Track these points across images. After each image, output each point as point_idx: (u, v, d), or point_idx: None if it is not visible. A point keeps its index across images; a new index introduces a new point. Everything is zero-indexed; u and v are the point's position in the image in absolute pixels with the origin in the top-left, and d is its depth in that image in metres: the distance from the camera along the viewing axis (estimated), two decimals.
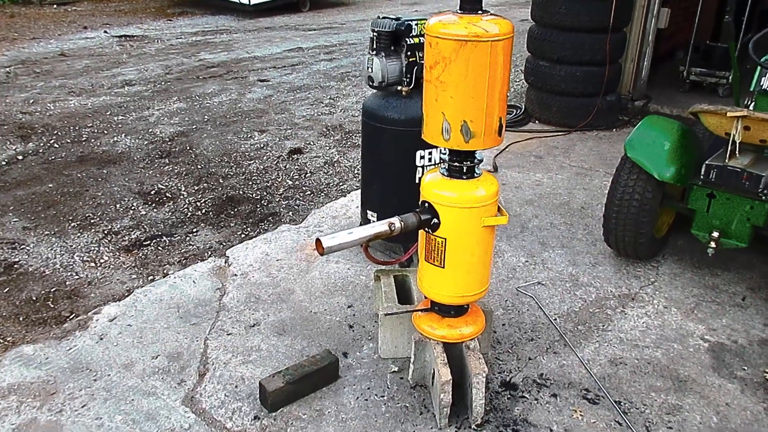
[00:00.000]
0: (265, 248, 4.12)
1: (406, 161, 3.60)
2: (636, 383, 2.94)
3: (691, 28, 7.29)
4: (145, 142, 6.10)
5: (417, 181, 3.63)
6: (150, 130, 6.43)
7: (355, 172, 5.45)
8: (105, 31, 11.75)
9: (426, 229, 2.57)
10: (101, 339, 3.18)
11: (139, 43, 10.90)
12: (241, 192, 5.03)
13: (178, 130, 6.47)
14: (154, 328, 3.28)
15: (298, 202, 4.87)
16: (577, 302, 3.56)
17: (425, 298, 2.99)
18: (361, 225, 4.09)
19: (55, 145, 5.96)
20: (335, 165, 5.61)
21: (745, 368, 3.05)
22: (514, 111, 6.81)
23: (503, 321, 3.37)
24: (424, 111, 2.48)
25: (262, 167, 5.54)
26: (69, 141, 6.09)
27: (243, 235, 4.34)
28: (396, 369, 3.00)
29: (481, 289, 2.69)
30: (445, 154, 2.59)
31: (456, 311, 2.79)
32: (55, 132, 6.30)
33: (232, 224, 4.50)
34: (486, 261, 2.65)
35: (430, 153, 3.59)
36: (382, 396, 2.84)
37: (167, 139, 6.19)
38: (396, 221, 2.47)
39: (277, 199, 4.91)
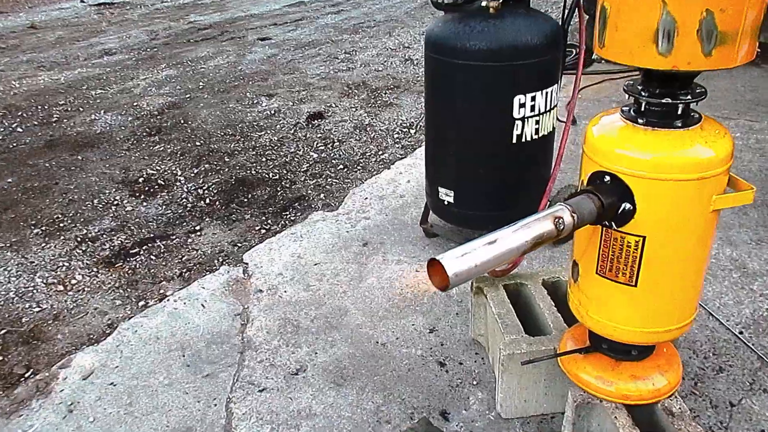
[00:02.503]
0: (296, 248, 3.00)
1: (497, 112, 2.46)
2: None
3: None
4: (130, 119, 4.95)
5: (514, 140, 2.49)
6: (135, 104, 5.27)
7: (395, 137, 4.31)
8: (81, 0, 10.47)
9: (608, 222, 1.45)
10: (70, 412, 2.10)
11: (120, 10, 9.64)
12: (253, 172, 3.89)
13: (168, 101, 5.31)
14: (149, 387, 2.20)
15: (329, 180, 3.74)
16: (759, 303, 2.44)
17: (567, 326, 1.89)
18: (427, 206, 2.96)
19: (19, 129, 4.81)
20: (368, 130, 4.46)
21: None
22: (573, 51, 5.59)
23: None
24: (608, 3, 1.33)
25: (276, 138, 4.40)
26: (36, 123, 4.94)
27: (263, 231, 3.22)
28: None
29: (691, 317, 1.58)
30: (637, 86, 1.45)
31: (640, 352, 1.68)
32: (20, 113, 5.15)
33: (247, 216, 3.38)
34: (703, 271, 1.53)
35: (533, 99, 2.44)
36: None
37: (156, 113, 5.04)
38: (564, 213, 1.34)
39: (302, 178, 3.78)
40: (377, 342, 2.36)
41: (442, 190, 2.72)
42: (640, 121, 1.41)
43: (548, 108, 2.51)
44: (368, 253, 2.93)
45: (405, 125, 4.49)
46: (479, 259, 1.23)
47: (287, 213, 3.38)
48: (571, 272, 1.66)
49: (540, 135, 2.54)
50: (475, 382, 2.15)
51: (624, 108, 1.48)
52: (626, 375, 1.67)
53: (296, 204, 3.47)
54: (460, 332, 2.38)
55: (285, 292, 2.68)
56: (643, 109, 1.42)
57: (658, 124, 1.39)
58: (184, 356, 2.34)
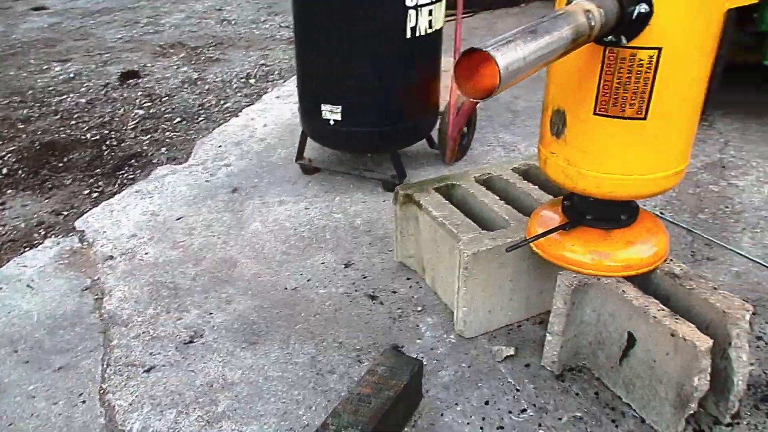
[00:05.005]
0: (147, 205, 2.37)
1: (385, 2, 2.09)
2: None
3: None
4: None
5: (409, 34, 2.15)
6: None
7: (235, 87, 3.75)
8: None
9: (610, 37, 1.16)
10: None
11: None
12: (63, 135, 3.09)
13: None
14: None
15: (167, 134, 3.09)
16: None
17: (524, 216, 1.61)
18: (303, 139, 2.52)
19: None
20: (199, 84, 3.83)
21: None
22: None
23: None
24: None
25: (84, 101, 3.58)
26: None
27: (96, 194, 2.51)
28: (512, 352, 1.59)
29: (688, 159, 1.37)
30: None
31: (629, 216, 1.45)
32: None
33: (67, 182, 2.63)
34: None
35: None
36: (524, 411, 1.43)
37: None
38: (590, 5, 1.02)
39: (132, 136, 3.07)
40: (285, 288, 1.88)
41: (326, 108, 2.28)
42: None
43: None
44: (241, 199, 2.40)
45: (242, 76, 3.94)
46: (526, 49, 0.86)
47: (122, 172, 2.69)
48: (551, 128, 1.36)
49: (433, 29, 2.23)
50: (419, 309, 1.77)
51: None
52: (622, 242, 1.42)
53: (132, 161, 2.79)
54: (381, 261, 2.00)
55: (146, 254, 2.06)
56: None
57: None
58: (17, 352, 1.64)
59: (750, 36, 2.65)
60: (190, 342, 1.66)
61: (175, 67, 4.21)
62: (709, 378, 1.24)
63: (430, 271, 1.83)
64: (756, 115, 2.95)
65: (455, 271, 1.62)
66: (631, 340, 1.37)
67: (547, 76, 1.38)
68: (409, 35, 2.15)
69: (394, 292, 1.85)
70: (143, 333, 1.70)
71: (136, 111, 3.38)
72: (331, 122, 2.30)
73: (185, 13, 5.89)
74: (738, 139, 2.74)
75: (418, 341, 1.65)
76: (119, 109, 3.42)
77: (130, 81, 3.90)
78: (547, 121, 1.37)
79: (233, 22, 5.52)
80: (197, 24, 5.46)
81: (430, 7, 2.17)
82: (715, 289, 1.36)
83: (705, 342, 1.22)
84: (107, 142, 2.99)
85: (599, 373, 1.50)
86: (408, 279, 1.90)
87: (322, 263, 2.00)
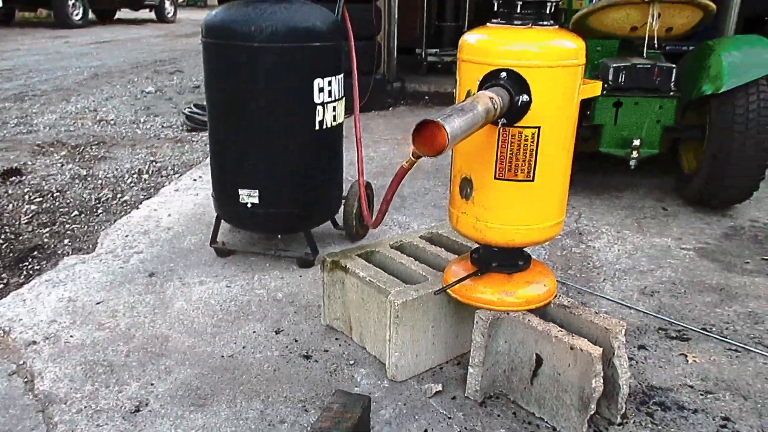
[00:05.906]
0: (62, 293, 2.37)
1: (301, 96, 2.40)
2: (689, 304, 2.34)
3: (421, 11, 7.33)
4: None
5: (317, 127, 2.46)
6: None
7: (129, 182, 3.80)
8: None
9: (502, 120, 1.53)
10: None
11: None
12: None
13: None
14: None
15: (67, 226, 3.07)
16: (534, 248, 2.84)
17: (437, 271, 1.91)
18: (216, 224, 2.68)
19: None
20: (89, 179, 3.84)
21: None
22: None
23: None
24: None
25: None
26: None
27: (1, 286, 2.45)
28: (440, 388, 1.82)
29: (564, 213, 1.76)
30: None
31: (525, 261, 1.80)
32: None
33: None
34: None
35: (329, 84, 2.45)
36: None
37: None
38: (492, 94, 1.38)
39: (29, 229, 3.02)
40: (222, 356, 1.98)
41: (243, 192, 2.48)
42: (518, 22, 1.55)
43: (341, 95, 2.56)
44: (160, 282, 2.47)
45: (134, 172, 4.00)
46: (460, 121, 1.18)
47: (26, 264, 2.65)
48: (460, 192, 1.69)
49: (337, 122, 2.56)
50: (351, 362, 1.96)
51: (494, 20, 1.61)
52: (522, 283, 1.75)
53: (34, 253, 2.74)
54: (309, 326, 2.17)
55: (72, 336, 2.06)
56: (519, 13, 1.56)
57: (533, 22, 1.55)
58: None
59: (586, 129, 3.27)
60: (137, 411, 1.71)
61: (60, 164, 4.17)
62: (602, 381, 1.55)
63: (358, 328, 2.04)
64: (597, 193, 3.57)
65: (384, 323, 1.85)
66: (539, 361, 1.67)
67: (453, 153, 1.73)
68: (317, 127, 2.46)
69: (326, 351, 2.02)
70: (85, 408, 1.71)
71: (27, 206, 3.32)
72: (249, 205, 2.49)
73: (57, 114, 5.83)
74: (588, 211, 3.30)
75: (356, 388, 1.83)
76: (7, 205, 3.34)
77: (13, 178, 3.81)
78: (457, 186, 1.71)
79: (112, 123, 5.56)
80: (73, 124, 5.44)
81: (334, 104, 2.50)
82: (597, 313, 1.71)
83: (597, 350, 1.54)
84: (2, 237, 2.91)
85: (514, 396, 1.77)
86: (337, 339, 2.09)
87: (254, 332, 2.13)
